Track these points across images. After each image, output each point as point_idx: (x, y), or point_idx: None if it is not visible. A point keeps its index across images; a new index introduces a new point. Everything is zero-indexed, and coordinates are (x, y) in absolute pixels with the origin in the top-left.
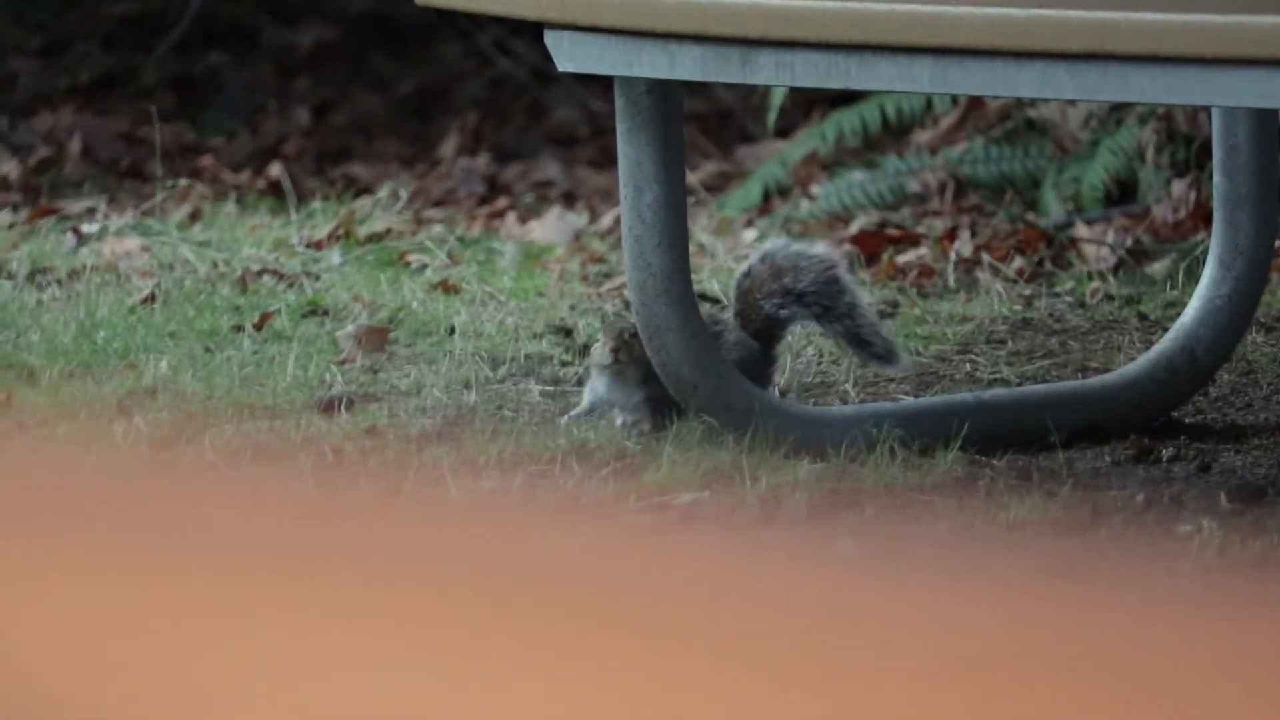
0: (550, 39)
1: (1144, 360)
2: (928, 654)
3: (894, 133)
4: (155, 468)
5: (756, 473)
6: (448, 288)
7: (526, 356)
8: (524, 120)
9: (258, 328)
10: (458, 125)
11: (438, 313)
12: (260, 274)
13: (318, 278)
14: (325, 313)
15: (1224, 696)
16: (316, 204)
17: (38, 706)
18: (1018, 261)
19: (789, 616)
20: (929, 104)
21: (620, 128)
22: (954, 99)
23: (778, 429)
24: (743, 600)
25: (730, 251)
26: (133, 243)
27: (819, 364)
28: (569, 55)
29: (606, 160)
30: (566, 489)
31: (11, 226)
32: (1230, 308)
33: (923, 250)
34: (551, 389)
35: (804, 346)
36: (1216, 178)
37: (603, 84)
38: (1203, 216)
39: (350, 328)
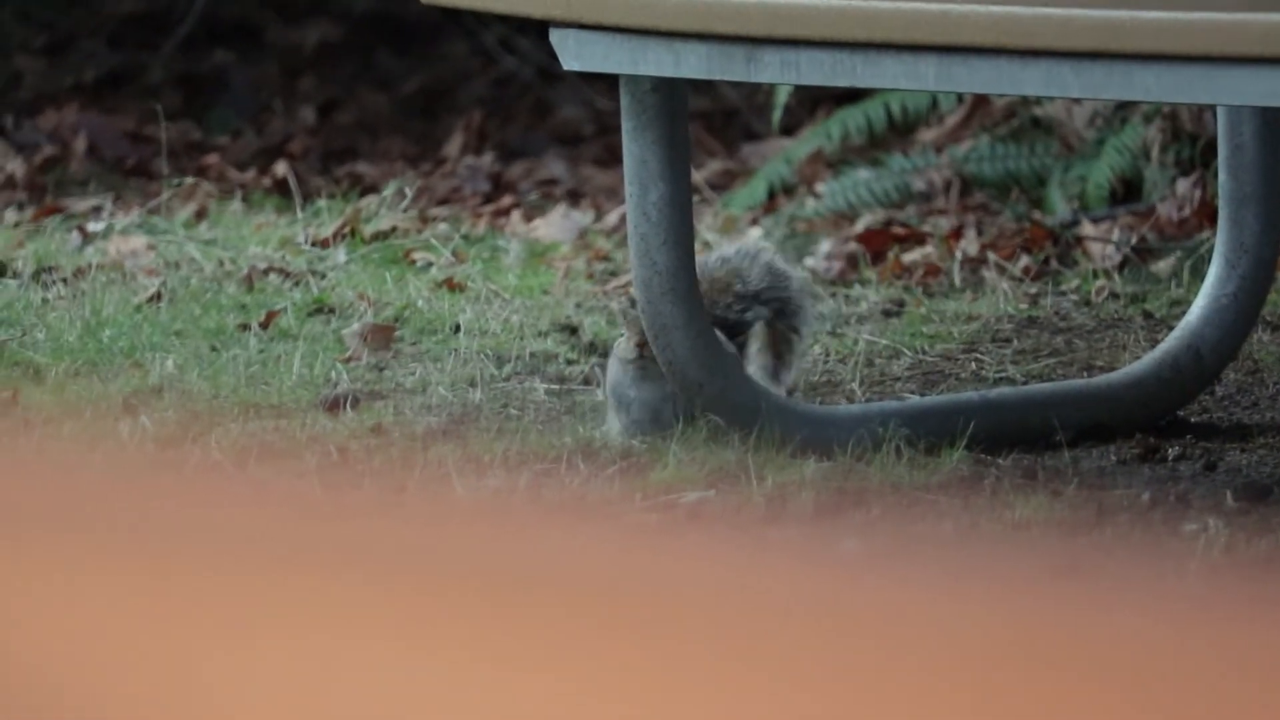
0: (555, 37)
1: (1149, 359)
2: (933, 653)
3: (899, 131)
4: (161, 466)
5: (762, 472)
6: (453, 286)
7: (532, 355)
8: (529, 118)
9: (263, 326)
10: (463, 123)
11: (443, 311)
12: (266, 272)
13: (323, 276)
14: (331, 311)
15: (1230, 696)
16: (322, 202)
17: (41, 706)
18: (1023, 260)
19: (794, 616)
20: (934, 102)
21: (625, 126)
22: (959, 97)
23: (784, 428)
24: (748, 599)
25: None
26: (138, 241)
27: (825, 363)
28: (574, 54)
29: (612, 158)
30: (572, 488)
31: (17, 225)
32: (1236, 306)
33: (928, 249)
34: (557, 387)
35: (811, 345)
36: (1222, 176)
37: (608, 82)
38: (1208, 215)
39: (356, 326)
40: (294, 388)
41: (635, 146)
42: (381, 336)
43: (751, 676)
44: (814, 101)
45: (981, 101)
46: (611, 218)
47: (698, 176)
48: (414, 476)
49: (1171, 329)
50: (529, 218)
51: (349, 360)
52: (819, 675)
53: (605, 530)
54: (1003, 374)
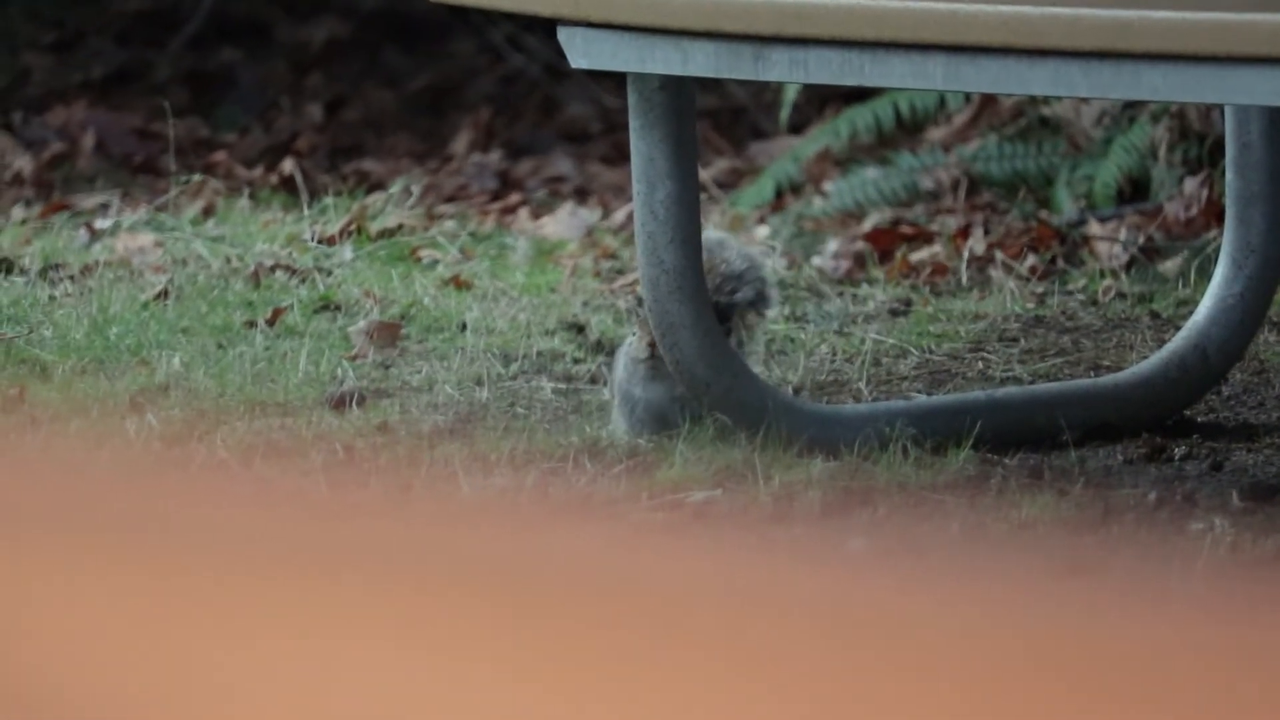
0: (563, 35)
1: (1156, 359)
2: (939, 653)
3: (907, 130)
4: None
5: (769, 471)
6: (460, 284)
7: (539, 353)
8: (536, 116)
9: (270, 323)
10: (470, 121)
11: (449, 309)
12: (273, 269)
13: (330, 273)
14: (337, 308)
15: (1235, 695)
16: (329, 200)
17: (45, 705)
18: (1030, 259)
19: (801, 615)
20: (942, 101)
21: (633, 124)
22: (967, 96)
23: (790, 427)
24: (755, 598)
25: None
26: (146, 238)
27: (832, 362)
28: (582, 51)
29: (619, 156)
30: (579, 486)
31: (24, 222)
32: (1243, 306)
33: (936, 248)
34: (564, 386)
35: (817, 345)
36: (1229, 175)
37: (615, 80)
38: (1215, 214)
39: (362, 323)
40: (300, 385)
41: (643, 144)
42: (388, 334)
43: (758, 675)
44: (822, 100)
45: (989, 101)
46: (619, 215)
47: (705, 175)
48: (420, 475)
49: (1178, 329)
50: (536, 215)
51: (355, 358)
52: (825, 674)
53: (611, 529)
54: (1009, 373)
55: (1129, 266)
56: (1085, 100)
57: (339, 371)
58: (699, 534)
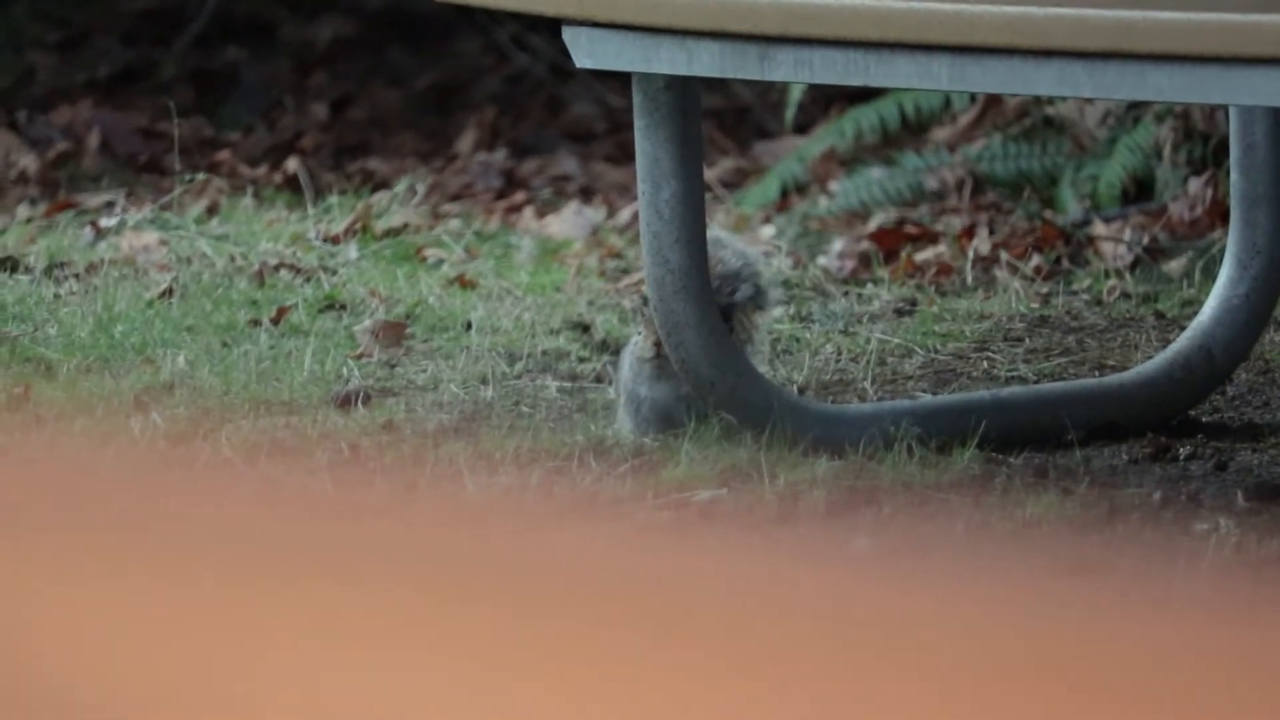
0: (568, 35)
1: (1161, 359)
2: (943, 653)
3: (912, 130)
4: (172, 463)
5: (775, 470)
6: (465, 283)
7: (544, 352)
8: (541, 115)
9: (275, 322)
10: (475, 120)
11: (455, 308)
12: (277, 268)
13: (335, 272)
14: (342, 307)
15: (1239, 696)
16: (334, 198)
17: (49, 704)
18: (1035, 259)
19: (805, 614)
20: (947, 101)
21: (638, 124)
22: (972, 97)
23: (796, 426)
24: (760, 598)
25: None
26: (150, 237)
27: (837, 361)
28: (587, 51)
29: (624, 156)
30: (584, 485)
31: (29, 221)
32: (1248, 306)
33: (941, 248)
34: (569, 385)
35: (822, 344)
36: (1234, 176)
37: (620, 80)
38: (1220, 214)
39: (367, 323)
40: (305, 384)
41: (648, 144)
42: (393, 333)
43: (762, 675)
44: (827, 100)
45: (994, 101)
46: (624, 215)
47: (710, 174)
48: (425, 474)
49: (1183, 329)
50: (541, 215)
51: (360, 357)
52: (829, 674)
53: (616, 528)
54: (1014, 373)
55: (1134, 266)
56: (1090, 100)
57: (344, 370)
58: (704, 533)
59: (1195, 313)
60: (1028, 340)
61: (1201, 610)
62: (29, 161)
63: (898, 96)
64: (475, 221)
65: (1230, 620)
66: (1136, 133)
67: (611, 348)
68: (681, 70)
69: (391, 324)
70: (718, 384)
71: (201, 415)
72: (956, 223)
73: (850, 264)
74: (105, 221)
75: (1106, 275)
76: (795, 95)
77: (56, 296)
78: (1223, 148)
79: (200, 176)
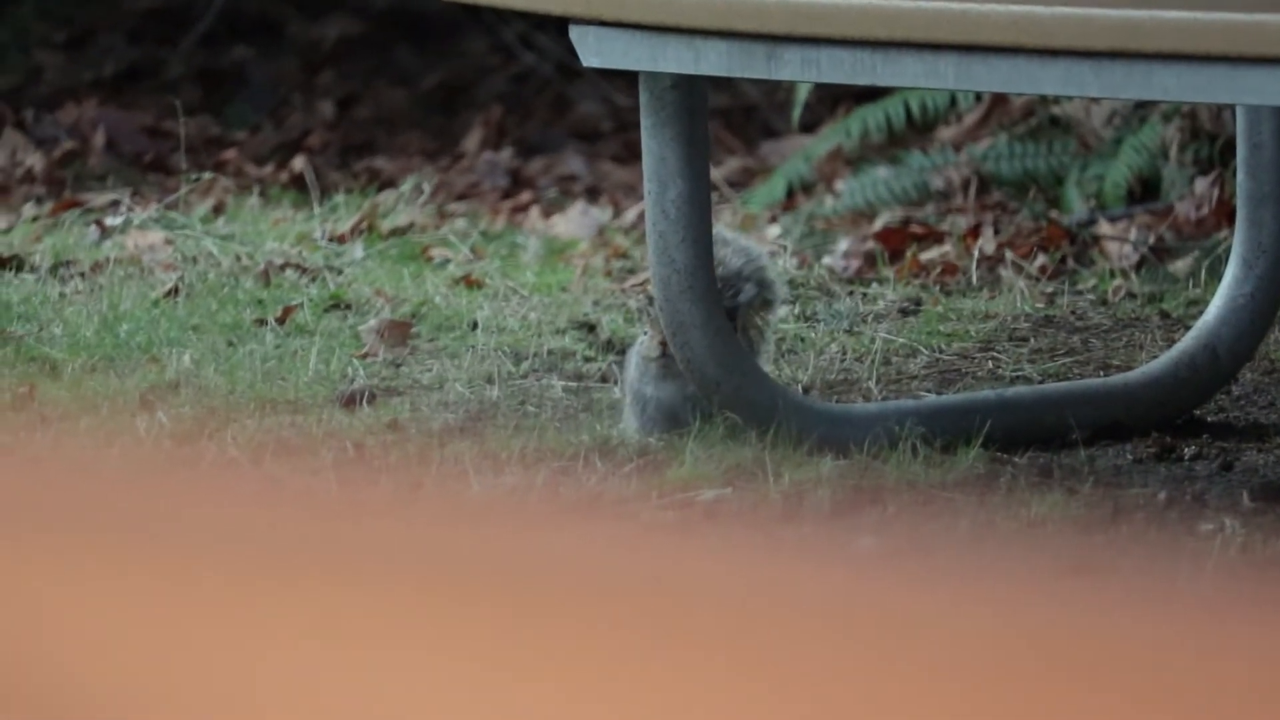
0: (575, 34)
1: (1166, 358)
2: (947, 652)
3: (918, 129)
4: (177, 462)
5: (779, 469)
6: (470, 282)
7: (549, 352)
8: (548, 114)
9: (280, 321)
10: (482, 119)
11: (460, 307)
12: (283, 268)
13: (340, 272)
14: (348, 307)
15: (1243, 696)
16: (339, 198)
17: (52, 703)
18: (1040, 259)
19: (810, 614)
20: (953, 101)
21: (644, 123)
22: (978, 96)
23: (800, 426)
24: (764, 597)
25: None
26: (156, 236)
27: (842, 361)
28: (594, 50)
29: (630, 155)
30: (589, 485)
31: (35, 219)
32: (1253, 306)
33: (946, 247)
34: (574, 385)
35: (827, 344)
36: (1240, 176)
37: (627, 79)
38: (1226, 214)
39: (372, 322)
40: (310, 384)
41: (654, 143)
42: (398, 333)
43: (766, 674)
44: (834, 99)
45: (1000, 100)
46: (630, 215)
47: (717, 174)
48: (430, 473)
49: (1188, 328)
50: (547, 214)
51: (366, 356)
52: (834, 673)
53: (622, 528)
54: (1019, 373)
55: (1139, 266)
56: (1096, 100)
57: (349, 370)
58: (709, 533)
59: (1200, 312)
60: (1033, 340)
61: (1206, 610)
62: (35, 160)
63: (904, 95)
64: (481, 221)
65: (1235, 620)
66: (1142, 132)
67: (617, 347)
68: (688, 69)
69: (397, 323)
70: (723, 383)
71: (207, 414)
72: (962, 222)
73: (855, 263)
74: (111, 220)
75: (1112, 275)
76: (802, 94)
77: (62, 295)
78: (1229, 147)
79: (206, 175)
